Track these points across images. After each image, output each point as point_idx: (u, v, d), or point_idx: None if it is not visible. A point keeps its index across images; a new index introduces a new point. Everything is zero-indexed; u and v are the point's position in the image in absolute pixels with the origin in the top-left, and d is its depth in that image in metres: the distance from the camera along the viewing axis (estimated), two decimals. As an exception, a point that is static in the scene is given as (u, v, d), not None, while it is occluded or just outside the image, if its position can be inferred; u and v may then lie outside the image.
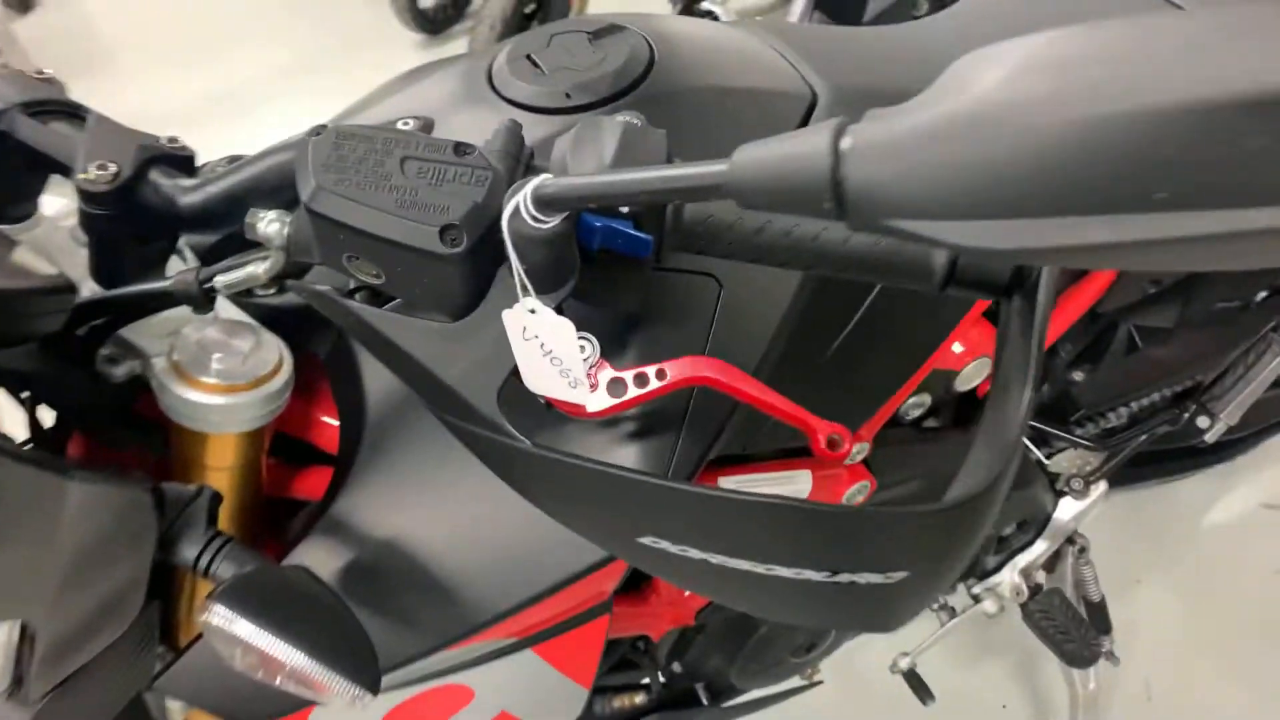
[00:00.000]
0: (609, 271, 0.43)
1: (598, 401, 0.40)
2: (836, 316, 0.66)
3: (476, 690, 0.55)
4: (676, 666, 0.99)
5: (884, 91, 0.65)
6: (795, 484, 0.75)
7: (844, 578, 0.39)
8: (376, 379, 0.55)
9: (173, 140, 0.51)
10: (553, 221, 0.34)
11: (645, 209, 0.39)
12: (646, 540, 0.38)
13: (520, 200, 0.33)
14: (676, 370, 0.42)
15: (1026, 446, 0.98)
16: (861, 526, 0.39)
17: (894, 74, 0.68)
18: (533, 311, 0.36)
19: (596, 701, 1.02)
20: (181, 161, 0.51)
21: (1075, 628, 1.03)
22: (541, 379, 0.39)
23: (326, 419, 0.60)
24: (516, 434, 0.39)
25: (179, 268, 0.53)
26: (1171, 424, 1.02)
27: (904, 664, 1.10)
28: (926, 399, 0.85)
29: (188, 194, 0.49)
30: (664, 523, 0.38)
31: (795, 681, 1.10)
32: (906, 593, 0.41)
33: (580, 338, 0.39)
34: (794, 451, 0.77)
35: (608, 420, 0.51)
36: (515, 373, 0.40)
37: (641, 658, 0.98)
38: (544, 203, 0.33)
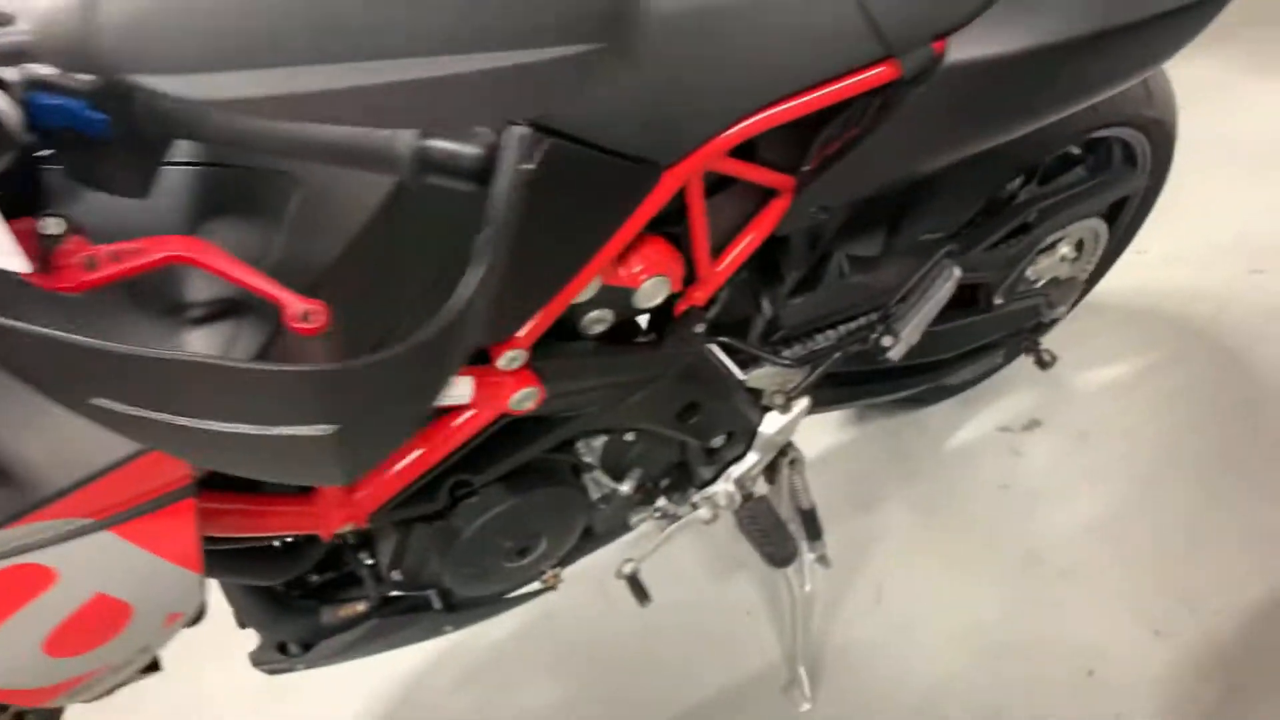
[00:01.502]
0: (117, 156, 0.45)
1: (67, 276, 0.43)
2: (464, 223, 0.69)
3: (60, 570, 0.57)
4: (396, 575, 1.03)
5: None
6: (454, 389, 0.79)
7: (276, 430, 0.43)
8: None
9: None
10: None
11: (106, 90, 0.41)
12: (101, 402, 0.41)
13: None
14: (153, 247, 0.45)
15: (724, 363, 1.04)
16: (279, 383, 0.43)
17: None
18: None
19: (325, 611, 1.06)
20: None
21: (775, 531, 1.12)
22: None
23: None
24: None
25: None
26: (861, 343, 1.11)
27: (627, 569, 1.17)
28: (608, 315, 0.90)
29: None
30: (111, 384, 0.41)
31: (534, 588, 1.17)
32: (340, 443, 0.46)
33: (48, 214, 0.42)
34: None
35: (187, 310, 0.54)
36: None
37: (360, 566, 1.02)
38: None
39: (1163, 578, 1.39)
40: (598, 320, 0.90)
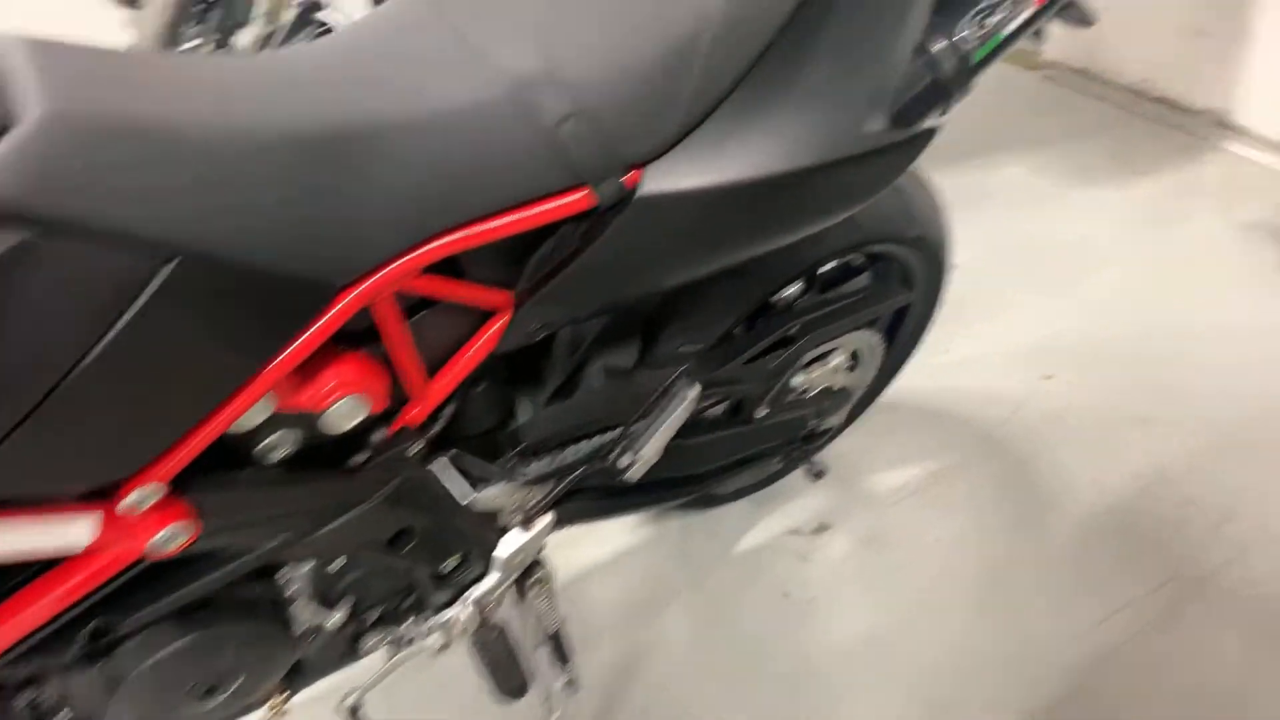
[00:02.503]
0: None
1: None
2: (59, 352, 0.62)
3: None
4: (67, 714, 0.91)
5: (107, 115, 0.62)
6: (68, 530, 0.70)
7: None
8: None
9: None
10: None
11: None
12: None
13: None
14: None
15: (447, 483, 0.98)
16: None
17: (143, 100, 0.65)
18: None
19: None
20: None
21: (504, 663, 1.05)
22: None
23: None
24: None
25: None
26: (602, 460, 1.06)
27: (349, 701, 1.08)
28: (290, 439, 0.83)
29: None
30: None
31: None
32: None
33: None
34: (84, 496, 0.73)
35: None
36: None
37: (13, 707, 0.90)
38: None
39: (926, 696, 1.37)
40: (276, 445, 0.82)
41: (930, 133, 0.91)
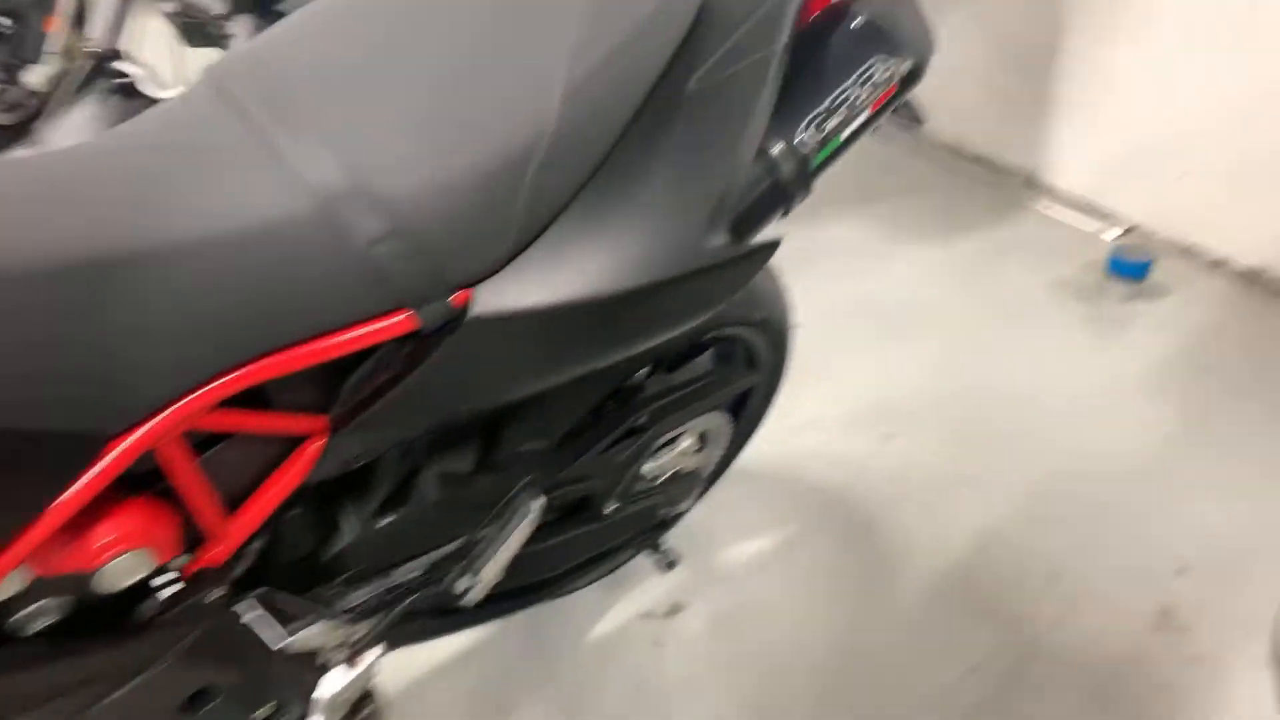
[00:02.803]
0: None
1: None
2: None
3: None
4: None
5: None
6: None
7: None
8: None
9: None
10: None
11: None
12: None
13: None
14: None
15: (256, 628, 0.87)
16: None
17: None
18: None
19: None
20: None
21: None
22: None
23: None
24: None
25: None
26: (437, 584, 0.98)
27: None
28: (54, 605, 0.70)
29: None
30: None
31: None
32: None
33: None
34: None
35: None
36: None
37: None
38: None
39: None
40: (36, 615, 0.69)
41: (774, 245, 0.88)
